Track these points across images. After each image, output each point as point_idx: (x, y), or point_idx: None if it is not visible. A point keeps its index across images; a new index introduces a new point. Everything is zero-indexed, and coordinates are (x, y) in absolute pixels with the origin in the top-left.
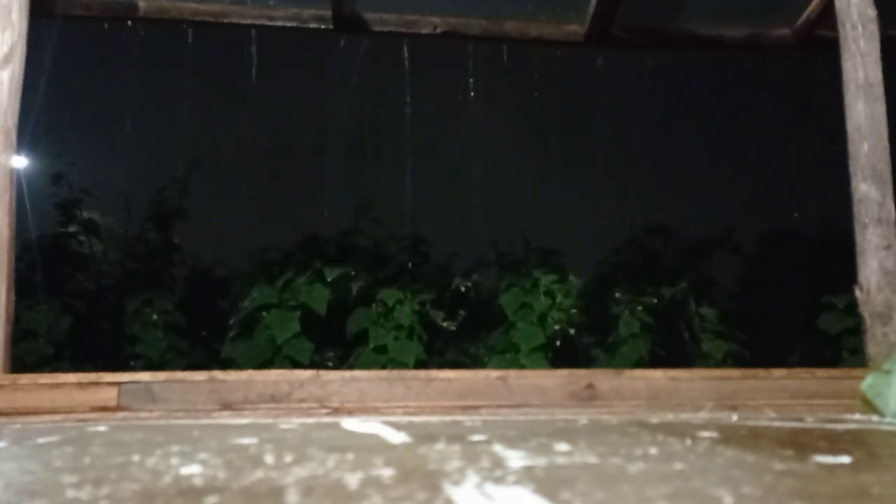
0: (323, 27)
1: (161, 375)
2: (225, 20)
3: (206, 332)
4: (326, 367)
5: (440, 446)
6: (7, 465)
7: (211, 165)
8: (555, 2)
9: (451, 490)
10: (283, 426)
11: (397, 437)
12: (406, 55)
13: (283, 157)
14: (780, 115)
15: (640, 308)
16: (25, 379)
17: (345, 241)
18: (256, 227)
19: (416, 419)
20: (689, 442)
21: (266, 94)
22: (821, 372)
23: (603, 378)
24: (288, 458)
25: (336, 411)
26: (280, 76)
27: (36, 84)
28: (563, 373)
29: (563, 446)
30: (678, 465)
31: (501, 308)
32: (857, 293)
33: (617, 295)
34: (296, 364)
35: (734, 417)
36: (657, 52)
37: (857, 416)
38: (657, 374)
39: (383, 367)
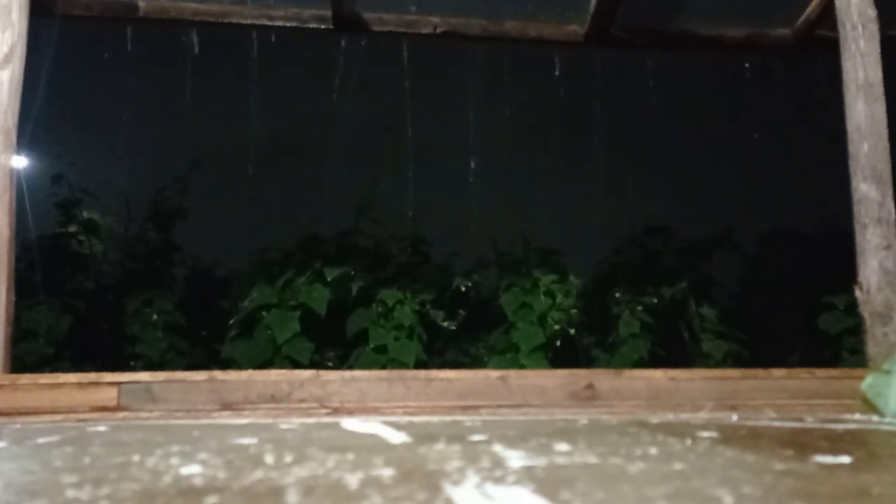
0: (323, 27)
1: (161, 375)
2: (225, 20)
3: (206, 332)
4: (326, 368)
5: (440, 446)
6: (7, 465)
7: (211, 165)
8: (555, 2)
9: (451, 490)
10: (283, 426)
11: (397, 437)
12: (406, 55)
13: (282, 157)
14: (780, 115)
15: (640, 308)
16: (25, 379)
17: (345, 241)
18: (256, 227)
19: (416, 419)
20: (689, 442)
21: (266, 94)
22: (821, 372)
23: (603, 378)
24: (288, 458)
25: (336, 411)
26: (280, 76)
27: (36, 84)
28: (563, 373)
29: (563, 446)
30: (678, 465)
31: (501, 308)
32: (857, 293)
33: (617, 295)
34: (296, 364)
35: (734, 417)
36: (657, 53)
37: (857, 416)
38: (657, 374)
39: (383, 367)
